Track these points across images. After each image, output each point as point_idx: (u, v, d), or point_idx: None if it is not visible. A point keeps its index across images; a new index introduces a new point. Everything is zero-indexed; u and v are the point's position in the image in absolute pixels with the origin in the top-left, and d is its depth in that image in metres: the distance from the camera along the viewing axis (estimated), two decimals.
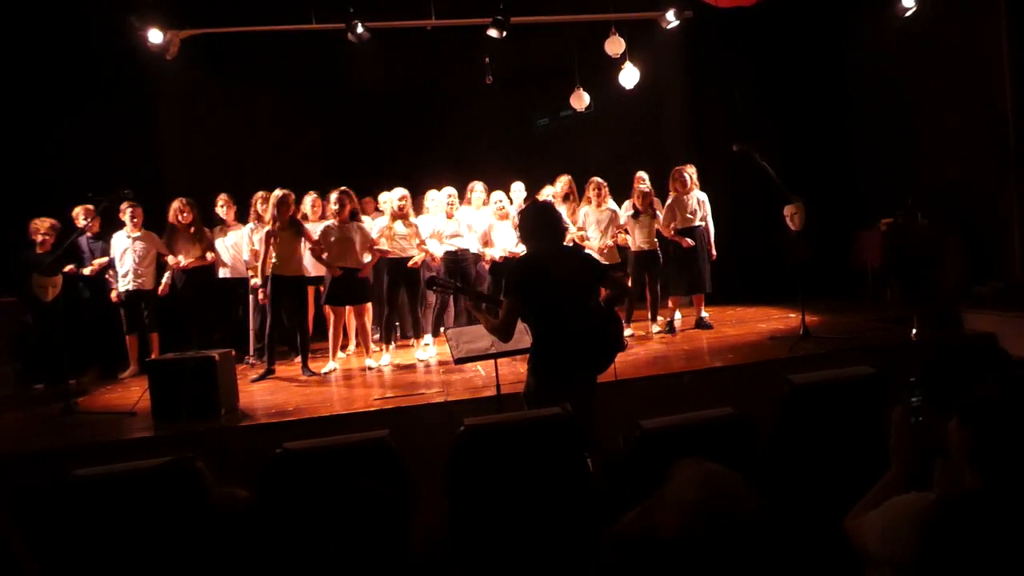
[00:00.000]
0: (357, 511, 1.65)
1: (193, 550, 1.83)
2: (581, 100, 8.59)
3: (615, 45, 8.14)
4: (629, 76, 8.40)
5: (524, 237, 3.86)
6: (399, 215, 6.74)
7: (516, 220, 6.58)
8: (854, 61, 8.99)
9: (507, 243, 7.16)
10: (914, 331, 5.86)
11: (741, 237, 8.89)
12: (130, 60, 7.50)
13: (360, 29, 7.38)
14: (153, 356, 6.55)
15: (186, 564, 1.85)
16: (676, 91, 9.33)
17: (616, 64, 8.39)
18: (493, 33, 7.73)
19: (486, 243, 7.20)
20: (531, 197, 7.52)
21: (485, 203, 7.43)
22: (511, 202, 7.41)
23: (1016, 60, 7.08)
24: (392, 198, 6.82)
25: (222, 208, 7.24)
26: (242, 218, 7.29)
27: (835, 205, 8.17)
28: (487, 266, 7.26)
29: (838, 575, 1.30)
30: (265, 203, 6.89)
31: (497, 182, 7.72)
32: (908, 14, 7.47)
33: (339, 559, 1.61)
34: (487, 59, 8.37)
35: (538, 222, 3.75)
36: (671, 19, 8.30)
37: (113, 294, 6.96)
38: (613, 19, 8.22)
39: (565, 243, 3.98)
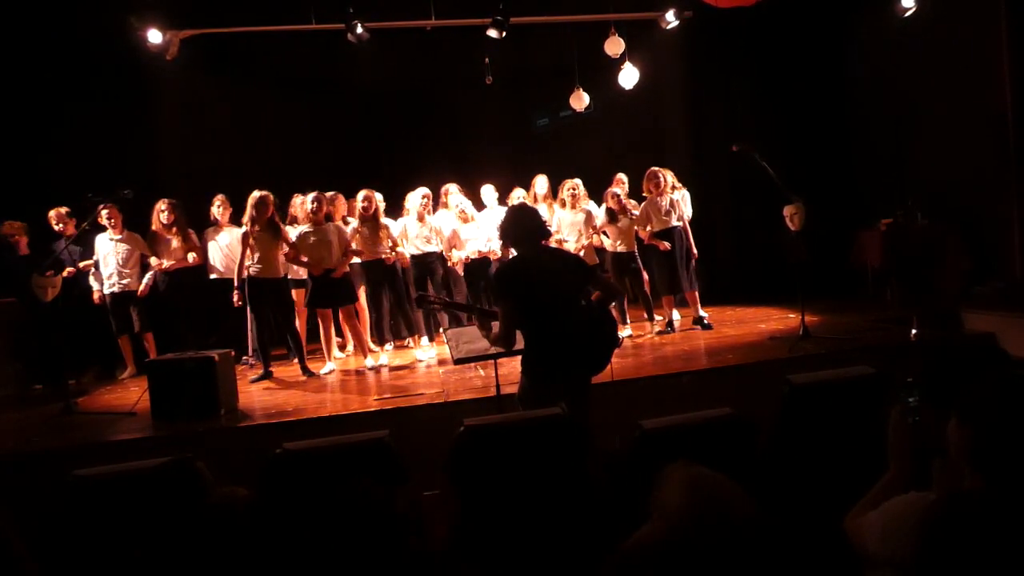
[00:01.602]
0: (357, 511, 1.65)
1: (193, 550, 1.83)
2: (581, 100, 8.59)
3: (615, 45, 8.13)
4: (629, 76, 8.39)
5: (508, 241, 3.84)
6: (367, 217, 6.68)
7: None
8: (854, 61, 8.98)
9: (476, 244, 7.16)
10: (914, 331, 5.86)
11: (741, 237, 8.90)
12: (130, 60, 7.50)
13: (360, 29, 7.37)
14: (151, 357, 6.53)
15: (186, 564, 1.85)
16: (676, 91, 9.32)
17: (616, 64, 8.39)
18: (493, 33, 7.73)
19: (452, 247, 7.18)
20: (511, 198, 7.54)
21: (457, 205, 7.44)
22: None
23: (1016, 60, 7.07)
24: (356, 201, 6.78)
25: (218, 208, 7.20)
26: (237, 219, 7.24)
27: (835, 205, 8.16)
28: (460, 269, 7.26)
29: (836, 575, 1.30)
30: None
31: (497, 182, 7.71)
32: (908, 14, 7.47)
33: (339, 559, 1.61)
34: (487, 59, 8.36)
35: (518, 225, 3.75)
36: (671, 19, 8.30)
37: (95, 295, 6.92)
38: (613, 19, 8.22)
39: (547, 244, 3.97)
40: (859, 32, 8.71)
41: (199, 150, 8.23)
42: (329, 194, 6.89)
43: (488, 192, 7.64)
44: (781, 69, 8.73)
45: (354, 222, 6.83)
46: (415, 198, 7.12)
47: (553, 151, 9.76)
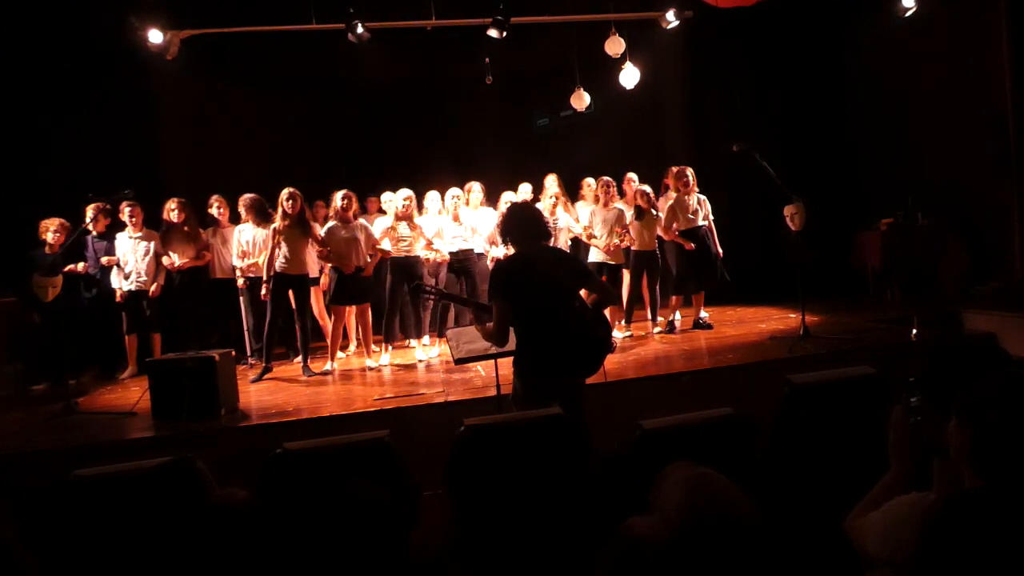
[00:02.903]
0: (357, 512, 1.65)
1: (193, 550, 1.83)
2: (581, 100, 8.59)
3: (615, 45, 8.14)
4: (629, 76, 8.40)
5: (508, 239, 3.83)
6: (404, 216, 6.74)
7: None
8: (854, 61, 8.99)
9: None
10: (914, 331, 5.86)
11: (741, 237, 8.88)
12: (130, 60, 7.50)
13: (360, 29, 7.38)
14: (155, 356, 6.53)
15: (186, 564, 1.85)
16: (676, 91, 9.33)
17: (616, 64, 8.39)
18: (493, 33, 7.73)
19: (493, 242, 7.22)
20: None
21: (483, 203, 7.43)
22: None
23: (1016, 60, 7.08)
24: (397, 199, 6.81)
25: (217, 209, 7.20)
26: (235, 219, 7.24)
27: (835, 205, 8.16)
28: (491, 265, 7.27)
29: None
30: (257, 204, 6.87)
31: (497, 182, 7.71)
32: (908, 14, 7.47)
33: (338, 560, 1.61)
34: (487, 59, 8.37)
35: (518, 224, 3.73)
36: (671, 19, 8.31)
37: (118, 294, 6.95)
38: (613, 19, 8.23)
39: (551, 244, 3.96)
40: (859, 32, 8.71)
41: (199, 150, 8.23)
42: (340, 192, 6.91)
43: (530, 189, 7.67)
44: (781, 69, 8.73)
45: (388, 220, 6.85)
46: (449, 198, 7.14)
47: (553, 151, 9.76)
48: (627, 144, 9.34)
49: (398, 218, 6.75)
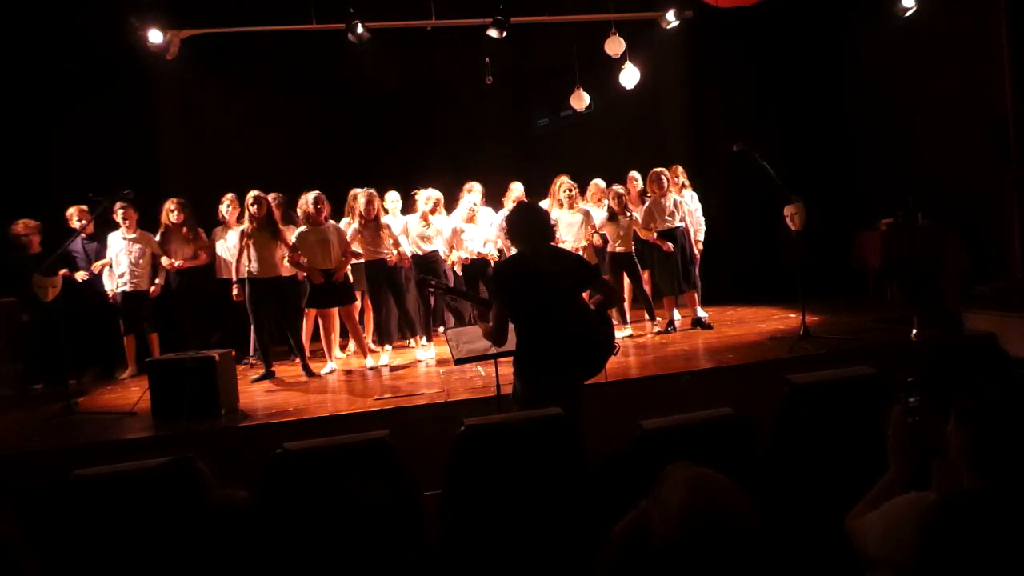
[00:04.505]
0: (356, 511, 1.65)
1: (193, 550, 1.83)
2: (581, 100, 8.59)
3: (615, 45, 8.14)
4: (629, 76, 8.40)
5: (511, 238, 3.81)
6: (369, 218, 6.63)
7: (502, 222, 6.57)
8: (854, 61, 8.99)
9: (475, 245, 7.14)
10: (914, 331, 5.86)
11: (741, 237, 8.90)
12: (130, 60, 7.50)
13: (360, 29, 7.37)
14: (154, 356, 6.52)
15: (186, 564, 1.85)
16: (676, 91, 9.33)
17: (616, 64, 8.39)
18: (493, 33, 7.73)
19: (451, 248, 7.14)
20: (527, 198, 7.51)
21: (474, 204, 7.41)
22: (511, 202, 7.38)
23: (1016, 60, 7.08)
24: (359, 201, 6.68)
25: (227, 208, 7.17)
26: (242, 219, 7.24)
27: (835, 205, 8.16)
28: (458, 269, 7.23)
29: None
30: (281, 205, 6.84)
31: (497, 182, 7.71)
32: (908, 14, 7.47)
33: (338, 560, 1.61)
34: (487, 59, 8.37)
35: (524, 223, 3.71)
36: (671, 19, 8.31)
37: (110, 295, 6.93)
38: (613, 19, 8.22)
39: (553, 244, 3.95)
40: (859, 32, 8.71)
41: (199, 150, 8.23)
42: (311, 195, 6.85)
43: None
44: (781, 69, 8.73)
45: (355, 223, 6.82)
46: (421, 199, 7.11)
47: (553, 151, 9.76)
48: (627, 144, 9.34)
49: (364, 221, 6.65)
